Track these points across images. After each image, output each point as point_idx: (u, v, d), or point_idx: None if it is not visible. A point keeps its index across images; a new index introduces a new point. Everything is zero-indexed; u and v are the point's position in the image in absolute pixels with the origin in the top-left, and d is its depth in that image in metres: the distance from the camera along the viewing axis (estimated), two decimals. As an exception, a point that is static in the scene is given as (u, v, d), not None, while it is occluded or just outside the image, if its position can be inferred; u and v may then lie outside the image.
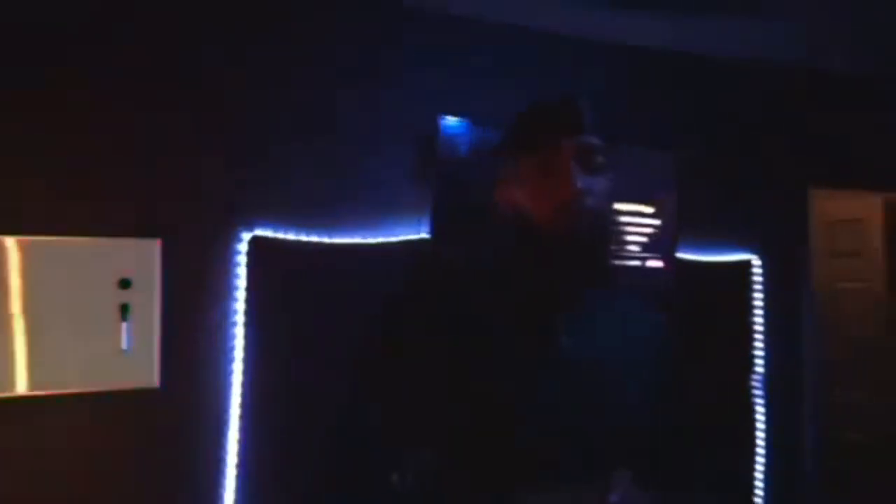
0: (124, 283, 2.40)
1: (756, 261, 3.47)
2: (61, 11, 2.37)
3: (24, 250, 2.28)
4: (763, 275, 3.48)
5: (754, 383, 3.45)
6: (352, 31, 2.76)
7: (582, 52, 3.14)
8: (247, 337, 2.53)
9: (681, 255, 3.20)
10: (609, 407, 1.11)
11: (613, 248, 2.92)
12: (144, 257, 2.43)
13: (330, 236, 2.64)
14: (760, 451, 3.44)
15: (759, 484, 3.43)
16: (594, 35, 3.11)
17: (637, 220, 3.02)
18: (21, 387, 2.26)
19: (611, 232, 1.19)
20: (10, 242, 2.27)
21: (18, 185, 2.29)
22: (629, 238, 3.01)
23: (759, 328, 3.47)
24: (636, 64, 3.27)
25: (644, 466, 1.11)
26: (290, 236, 2.59)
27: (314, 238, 2.62)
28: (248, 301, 2.54)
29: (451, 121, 2.63)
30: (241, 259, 2.54)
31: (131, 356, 2.40)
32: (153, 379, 2.42)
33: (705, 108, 3.42)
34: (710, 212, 3.36)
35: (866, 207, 4.12)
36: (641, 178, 3.04)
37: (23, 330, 2.27)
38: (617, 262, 2.91)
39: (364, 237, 2.69)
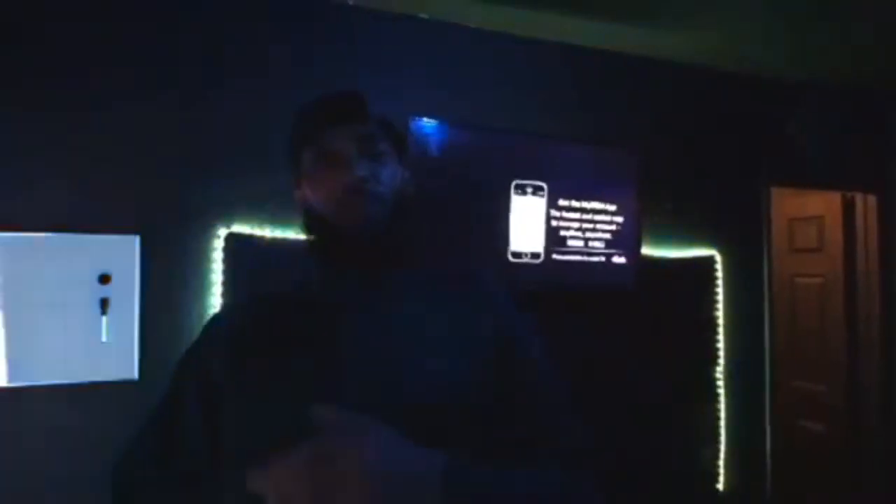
0: (104, 278, 2.48)
1: (719, 256, 3.61)
2: (40, 6, 2.44)
3: (5, 244, 2.35)
4: (725, 270, 3.62)
5: (717, 375, 3.58)
6: (323, 33, 2.84)
7: (547, 55, 3.25)
8: (223, 330, 2.61)
9: (645, 251, 3.32)
10: (424, 395, 0.99)
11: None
12: (124, 253, 2.51)
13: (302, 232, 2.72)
14: (722, 440, 3.57)
15: (720, 473, 3.56)
16: (560, 38, 3.22)
17: (600, 218, 3.13)
18: (1, 378, 2.33)
19: (411, 221, 1.10)
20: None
21: (3, 182, 2.36)
22: (593, 235, 3.11)
23: (721, 322, 3.60)
24: (601, 66, 3.39)
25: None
26: (266, 232, 2.68)
27: (289, 235, 2.70)
28: (224, 295, 2.62)
29: (422, 122, 2.72)
30: (218, 255, 2.62)
31: (111, 349, 2.48)
32: (132, 371, 2.50)
33: (669, 109, 3.54)
34: (674, 209, 3.49)
35: (826, 204, 4.27)
36: (604, 176, 3.15)
37: (3, 322, 2.34)
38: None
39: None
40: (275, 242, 2.68)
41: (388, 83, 2.89)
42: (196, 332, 1.20)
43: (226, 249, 2.63)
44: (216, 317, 1.21)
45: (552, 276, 2.99)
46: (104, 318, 2.47)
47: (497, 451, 0.98)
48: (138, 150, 2.54)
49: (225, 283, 2.62)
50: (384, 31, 2.93)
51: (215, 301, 2.61)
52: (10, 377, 2.35)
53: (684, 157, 3.56)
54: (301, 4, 2.80)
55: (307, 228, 1.15)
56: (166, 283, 2.57)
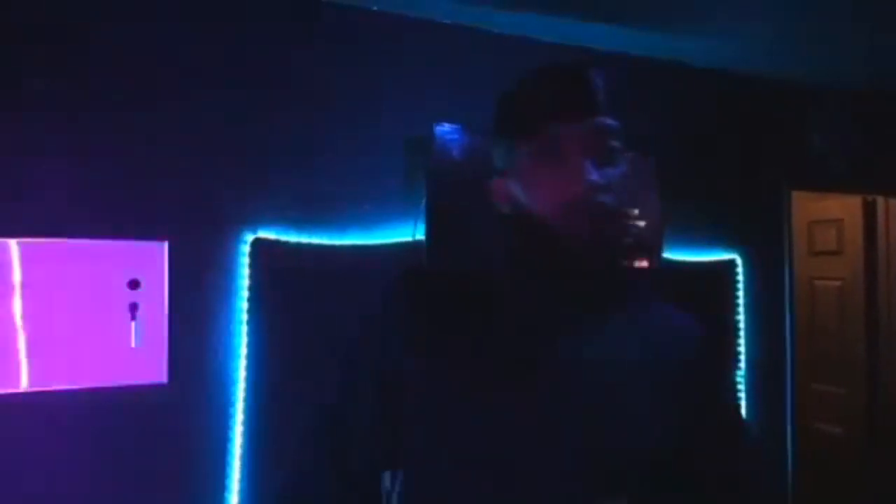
0: (134, 284, 2.51)
1: (739, 259, 3.61)
2: (67, 12, 2.47)
3: (41, 252, 2.38)
4: (746, 273, 3.62)
5: (737, 378, 3.58)
6: (347, 37, 2.86)
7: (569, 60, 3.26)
8: (250, 335, 2.64)
9: (667, 255, 3.32)
10: (621, 431, 0.91)
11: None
12: (153, 259, 2.54)
13: (329, 238, 2.76)
14: (743, 443, 3.57)
15: (741, 475, 3.56)
16: (581, 43, 3.23)
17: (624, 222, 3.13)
18: (35, 382, 2.37)
19: (629, 235, 0.92)
20: (28, 245, 2.37)
21: (37, 190, 2.39)
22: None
23: (741, 325, 3.60)
24: (623, 71, 3.38)
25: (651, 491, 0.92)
26: (291, 238, 2.70)
27: (314, 240, 2.73)
28: (250, 300, 2.65)
29: (445, 126, 2.74)
30: (244, 260, 2.65)
31: (140, 354, 2.51)
32: (161, 375, 2.54)
33: (690, 113, 3.54)
34: (696, 213, 3.49)
35: (846, 208, 4.26)
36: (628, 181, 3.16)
37: (35, 327, 2.38)
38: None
39: (362, 239, 2.80)
40: (300, 247, 2.71)
41: (408, 88, 2.91)
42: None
43: (252, 255, 2.66)
44: (391, 300, 1.01)
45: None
46: (133, 324, 2.50)
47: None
48: (167, 158, 2.57)
49: (251, 288, 2.65)
50: (406, 35, 2.95)
51: (243, 306, 2.64)
52: (41, 381, 2.38)
53: (705, 161, 3.56)
54: (326, 11, 2.82)
55: (514, 231, 0.97)
56: (195, 288, 2.60)
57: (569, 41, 3.21)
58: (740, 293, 3.61)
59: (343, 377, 1.03)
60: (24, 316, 2.36)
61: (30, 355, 2.37)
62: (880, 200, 4.17)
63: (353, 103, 2.84)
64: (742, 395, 3.58)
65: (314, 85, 2.80)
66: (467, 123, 2.82)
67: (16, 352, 2.35)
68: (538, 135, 0.91)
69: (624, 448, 0.90)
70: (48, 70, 2.43)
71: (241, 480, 2.60)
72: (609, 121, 0.92)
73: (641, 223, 2.99)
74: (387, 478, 0.95)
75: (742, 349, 3.59)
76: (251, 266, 2.66)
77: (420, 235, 2.79)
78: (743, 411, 3.56)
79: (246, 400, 2.63)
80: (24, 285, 2.36)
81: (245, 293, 2.65)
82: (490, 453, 0.88)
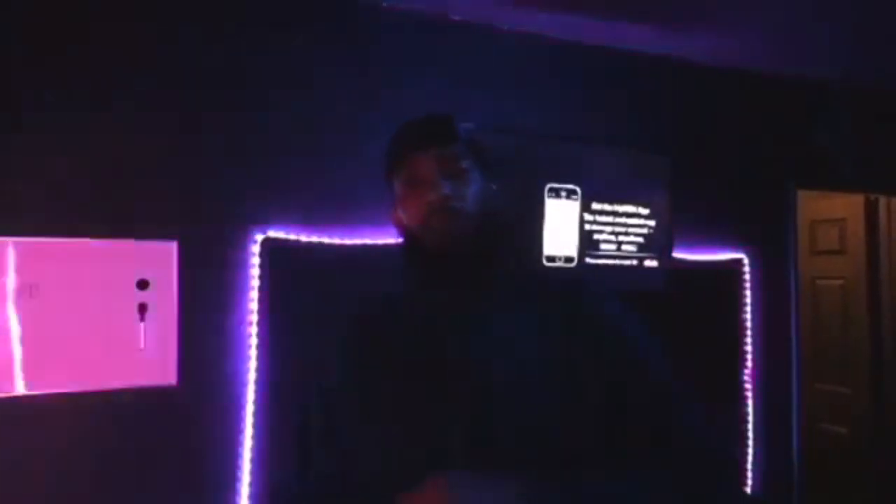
0: (142, 284, 2.47)
1: (746, 259, 3.60)
2: (72, 11, 2.43)
3: (45, 251, 2.33)
4: (752, 272, 3.61)
5: (744, 378, 3.57)
6: (359, 36, 2.83)
7: (580, 58, 3.25)
8: (260, 335, 2.60)
9: (675, 254, 3.31)
10: (526, 414, 1.02)
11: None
12: (162, 259, 2.50)
13: (340, 237, 2.72)
14: (750, 443, 3.57)
15: (748, 475, 3.56)
16: (589, 40, 3.22)
17: (633, 222, 3.12)
18: (41, 384, 2.32)
19: (502, 234, 1.18)
20: (34, 245, 2.32)
21: (44, 190, 2.34)
22: (626, 238, 3.11)
23: (748, 323, 3.59)
24: (634, 70, 3.38)
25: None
26: (302, 237, 2.66)
27: (325, 239, 2.69)
28: (261, 300, 2.61)
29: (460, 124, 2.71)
30: (255, 260, 2.61)
31: (149, 355, 2.46)
32: (171, 377, 2.49)
33: (698, 113, 3.54)
34: (703, 212, 3.48)
35: (848, 207, 4.26)
36: (637, 180, 3.15)
37: (43, 328, 2.32)
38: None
39: (373, 238, 2.76)
40: (312, 247, 2.67)
41: (421, 86, 2.89)
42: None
43: (262, 254, 2.61)
44: (346, 325, 1.26)
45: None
46: (142, 325, 2.45)
47: (620, 455, 1.02)
48: (176, 156, 2.53)
49: (261, 288, 2.61)
50: (422, 33, 2.92)
51: (254, 306, 2.59)
52: (49, 383, 2.33)
53: (712, 160, 3.55)
54: (339, 9, 2.79)
55: (404, 250, 1.19)
56: (205, 288, 2.56)
57: (574, 38, 3.19)
58: (747, 292, 3.60)
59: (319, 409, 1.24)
60: (31, 318, 2.30)
61: (37, 357, 2.31)
62: (882, 199, 4.18)
63: (366, 101, 2.80)
64: (749, 394, 3.57)
65: (325, 83, 2.77)
66: (480, 120, 2.79)
67: (10, 354, 2.29)
68: (403, 166, 1.15)
69: (541, 412, 1.02)
70: (54, 70, 2.38)
71: (252, 483, 2.56)
72: (455, 147, 1.15)
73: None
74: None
75: (749, 348, 3.58)
76: (261, 265, 2.62)
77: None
78: (750, 407, 3.56)
79: (256, 402, 2.59)
80: (30, 286, 2.30)
81: (255, 293, 2.61)
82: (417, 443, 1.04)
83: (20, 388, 2.27)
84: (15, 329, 2.26)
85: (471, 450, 1.00)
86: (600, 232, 3.03)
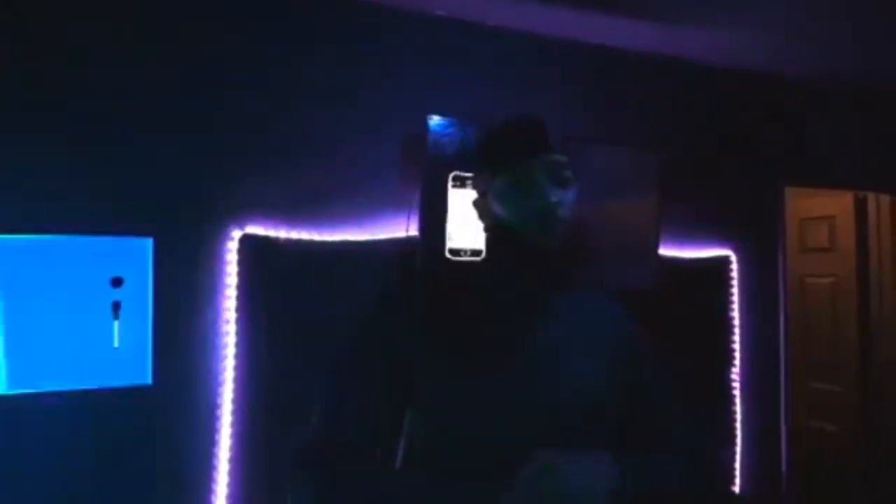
0: (116, 282, 2.42)
1: (734, 256, 3.57)
2: (46, 10, 2.38)
3: (15, 247, 2.28)
4: (740, 269, 3.58)
5: (732, 376, 3.54)
6: (336, 30, 2.79)
7: (566, 55, 3.21)
8: (238, 334, 2.55)
9: (662, 251, 3.27)
10: (576, 393, 1.22)
11: (580, 251, 3.00)
12: (136, 256, 2.45)
13: (320, 233, 2.68)
14: (738, 442, 3.53)
15: (737, 474, 3.52)
16: (578, 37, 3.18)
17: (621, 219, 3.08)
18: (13, 384, 2.27)
19: (578, 238, 1.32)
20: (4, 242, 2.27)
21: (14, 186, 2.29)
22: (614, 236, 3.07)
23: (736, 321, 3.56)
24: (620, 67, 3.34)
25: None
26: (281, 234, 2.62)
27: (304, 235, 2.65)
28: (238, 298, 2.56)
29: (438, 119, 2.67)
30: (232, 257, 2.56)
31: (123, 354, 2.41)
32: (146, 377, 2.44)
33: (685, 110, 3.50)
34: (691, 209, 3.44)
35: (838, 204, 4.24)
36: (625, 177, 3.11)
37: (13, 327, 2.27)
38: (584, 264, 2.95)
39: (354, 234, 2.72)
40: (290, 243, 2.62)
41: (401, 81, 2.84)
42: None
43: (240, 251, 2.57)
44: (392, 290, 1.31)
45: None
46: (116, 323, 2.40)
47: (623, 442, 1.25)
48: (151, 151, 2.48)
49: (240, 286, 2.56)
50: (400, 28, 2.88)
51: (230, 304, 2.55)
52: (19, 383, 2.28)
53: (699, 157, 3.51)
54: (317, 4, 2.74)
55: (494, 238, 1.31)
56: (181, 285, 2.51)
57: (568, 35, 3.15)
58: (734, 290, 3.57)
59: (349, 356, 1.26)
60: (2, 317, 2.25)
61: (7, 356, 2.26)
62: (871, 197, 4.16)
63: (344, 96, 2.76)
64: (736, 392, 3.54)
65: (303, 78, 2.72)
66: (464, 117, 2.75)
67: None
68: (513, 168, 1.25)
69: (574, 401, 1.22)
70: (24, 65, 2.33)
71: (230, 484, 2.51)
72: (560, 157, 1.27)
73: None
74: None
75: (737, 346, 3.55)
76: (240, 262, 2.57)
77: (414, 230, 2.73)
78: (736, 411, 3.52)
79: (235, 401, 2.54)
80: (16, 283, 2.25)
81: (233, 290, 2.56)
82: (477, 408, 1.18)
83: (12, 386, 2.23)
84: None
85: (529, 424, 1.17)
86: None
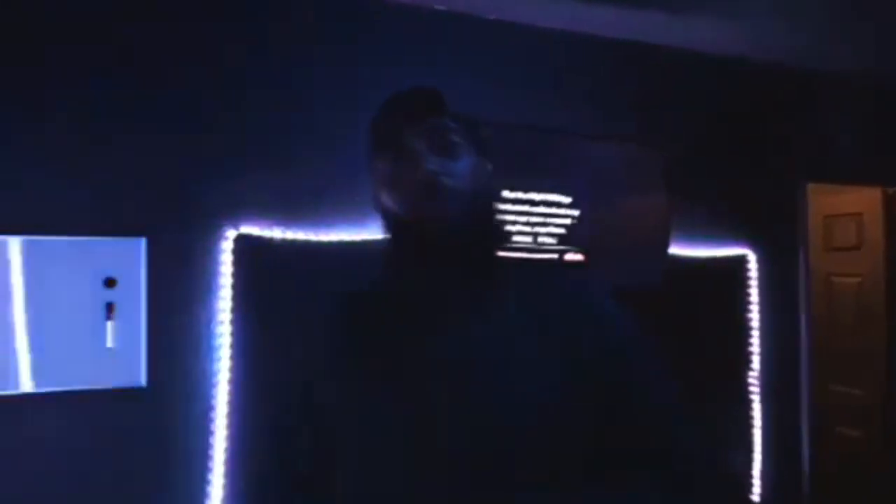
0: (109, 282, 2.41)
1: (752, 255, 3.44)
2: (43, 10, 2.37)
3: (10, 249, 2.28)
4: (759, 269, 3.45)
5: (750, 379, 3.42)
6: (334, 28, 2.75)
7: (571, 49, 3.12)
8: (233, 335, 2.53)
9: (675, 250, 3.17)
10: (522, 411, 0.95)
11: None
12: (129, 256, 2.43)
13: (315, 233, 2.64)
14: (757, 449, 3.41)
15: (756, 480, 3.40)
16: (585, 30, 3.09)
17: (627, 216, 2.99)
18: (2, 385, 2.27)
19: (493, 216, 1.11)
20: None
21: (6, 185, 2.29)
22: (618, 233, 2.98)
23: (754, 323, 3.44)
24: (632, 59, 3.24)
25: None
26: (275, 233, 2.59)
27: (299, 235, 2.61)
28: (233, 299, 2.53)
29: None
30: (226, 257, 2.54)
31: (117, 355, 2.40)
32: (139, 378, 2.42)
33: (703, 104, 3.39)
34: (707, 207, 3.33)
35: (865, 201, 4.08)
36: (633, 174, 3.02)
37: (4, 328, 2.27)
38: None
39: (349, 234, 2.67)
40: (285, 243, 2.59)
41: (395, 79, 2.78)
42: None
43: (234, 251, 2.54)
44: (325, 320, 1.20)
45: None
46: (109, 323, 2.39)
47: (605, 467, 0.97)
48: (143, 151, 2.46)
49: (234, 286, 2.53)
50: (391, 24, 2.82)
51: (224, 305, 2.52)
52: (10, 384, 2.27)
53: (716, 153, 3.39)
54: (316, 5, 2.71)
55: (386, 231, 1.10)
56: (174, 286, 2.49)
57: (574, 28, 3.06)
58: (753, 290, 3.44)
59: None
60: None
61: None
62: (901, 192, 3.99)
63: (342, 97, 2.71)
64: (756, 396, 3.42)
65: (296, 77, 2.69)
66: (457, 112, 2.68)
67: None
68: (389, 141, 1.04)
69: (518, 416, 0.94)
70: (22, 69, 2.33)
71: (224, 486, 2.49)
72: (445, 120, 1.05)
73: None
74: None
75: (755, 348, 3.43)
76: (234, 263, 2.54)
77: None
78: (757, 413, 3.41)
79: (229, 402, 2.51)
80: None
81: (228, 291, 2.54)
82: (402, 447, 0.97)
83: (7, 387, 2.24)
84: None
85: (452, 455, 0.93)
86: (513, 223, 2.84)
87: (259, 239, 2.57)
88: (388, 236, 1.09)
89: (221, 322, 2.52)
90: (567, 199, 2.87)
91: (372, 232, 2.70)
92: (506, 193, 2.81)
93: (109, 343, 2.39)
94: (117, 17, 2.46)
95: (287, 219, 2.61)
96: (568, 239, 2.85)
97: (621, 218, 3.01)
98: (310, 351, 1.14)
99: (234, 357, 2.52)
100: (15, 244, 2.29)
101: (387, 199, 1.06)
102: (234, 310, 2.54)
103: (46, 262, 2.33)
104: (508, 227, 2.80)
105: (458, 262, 1.03)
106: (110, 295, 2.41)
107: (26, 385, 2.30)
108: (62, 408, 2.33)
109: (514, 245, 2.81)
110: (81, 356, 2.36)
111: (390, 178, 1.04)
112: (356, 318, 1.10)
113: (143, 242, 2.44)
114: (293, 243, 2.60)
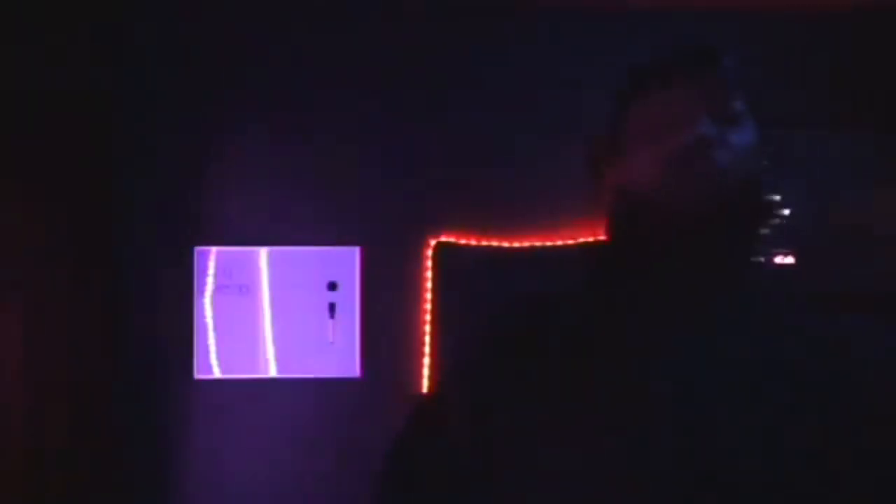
0: (332, 286, 2.79)
1: None
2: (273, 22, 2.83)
3: (253, 258, 2.77)
4: None
5: None
6: (540, 36, 2.86)
7: (773, 29, 2.85)
8: (434, 335, 2.77)
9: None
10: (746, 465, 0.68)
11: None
12: (348, 263, 2.80)
13: (509, 240, 2.78)
14: None
15: None
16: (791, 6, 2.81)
17: (865, 209, 2.67)
18: (239, 369, 2.76)
19: (766, 213, 0.72)
20: (237, 253, 2.77)
21: (244, 206, 2.79)
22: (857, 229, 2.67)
23: None
24: (851, 36, 2.86)
25: None
26: (472, 241, 2.77)
27: (495, 242, 2.77)
28: (434, 302, 2.77)
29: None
30: (429, 263, 2.78)
31: (337, 349, 2.77)
32: (355, 370, 2.77)
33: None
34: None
35: None
36: (870, 164, 2.69)
37: (255, 323, 2.76)
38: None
39: (543, 240, 2.77)
40: (481, 249, 2.76)
41: (599, 81, 2.79)
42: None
43: (435, 258, 2.78)
44: (494, 321, 0.93)
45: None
46: (331, 322, 2.77)
47: None
48: (358, 170, 2.81)
49: (434, 290, 2.77)
50: (602, 30, 2.84)
51: (427, 307, 2.77)
52: (261, 370, 2.75)
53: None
54: (518, 8, 2.84)
55: (613, 222, 0.81)
56: (385, 289, 2.80)
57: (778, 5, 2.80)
58: None
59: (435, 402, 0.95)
60: (238, 314, 2.76)
61: (238, 346, 2.75)
62: None
63: (524, 100, 2.83)
64: None
65: (501, 85, 2.85)
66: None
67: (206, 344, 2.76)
68: (641, 109, 0.76)
69: (749, 478, 0.68)
70: (244, 89, 2.81)
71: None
72: (727, 84, 0.77)
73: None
74: None
75: None
76: (434, 268, 2.78)
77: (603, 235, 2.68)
78: None
79: (432, 396, 2.74)
80: (239, 287, 2.76)
81: (430, 294, 2.78)
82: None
83: (216, 373, 2.74)
84: (211, 323, 2.73)
85: None
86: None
87: (457, 246, 2.77)
88: (609, 224, 0.82)
89: (425, 322, 2.78)
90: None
91: (564, 237, 2.77)
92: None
93: (331, 339, 2.77)
94: (346, 25, 2.82)
95: (485, 226, 2.79)
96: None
97: (857, 211, 2.69)
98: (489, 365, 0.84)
99: (434, 354, 2.76)
100: (263, 254, 2.77)
101: (623, 171, 0.78)
102: (436, 312, 2.77)
103: (285, 268, 2.78)
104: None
105: (708, 262, 0.74)
106: (333, 297, 2.79)
107: (272, 371, 2.76)
108: (296, 391, 2.75)
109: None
110: (310, 349, 2.77)
111: (641, 148, 0.76)
112: (545, 328, 0.82)
113: (358, 251, 2.79)
114: (490, 250, 2.76)
